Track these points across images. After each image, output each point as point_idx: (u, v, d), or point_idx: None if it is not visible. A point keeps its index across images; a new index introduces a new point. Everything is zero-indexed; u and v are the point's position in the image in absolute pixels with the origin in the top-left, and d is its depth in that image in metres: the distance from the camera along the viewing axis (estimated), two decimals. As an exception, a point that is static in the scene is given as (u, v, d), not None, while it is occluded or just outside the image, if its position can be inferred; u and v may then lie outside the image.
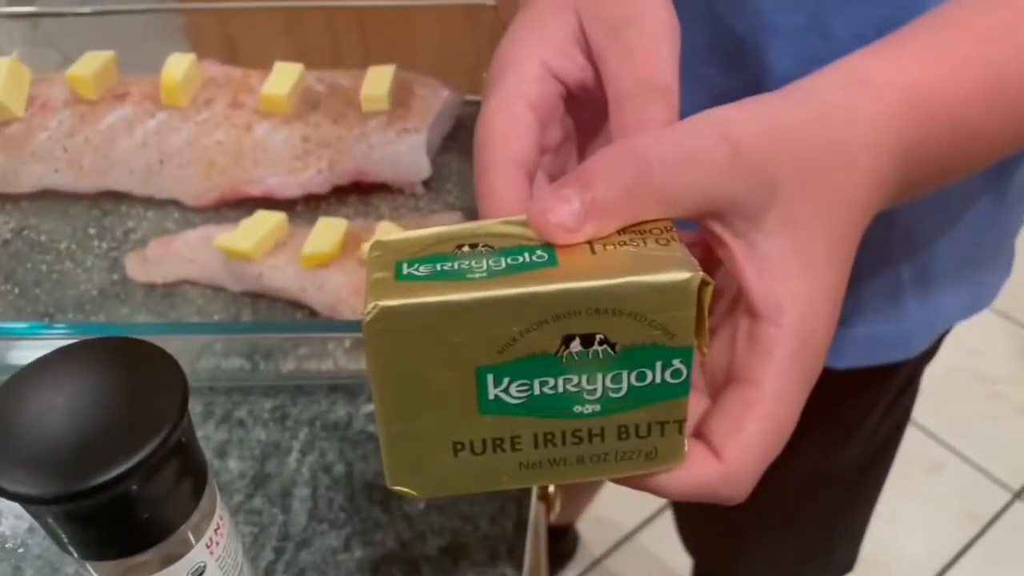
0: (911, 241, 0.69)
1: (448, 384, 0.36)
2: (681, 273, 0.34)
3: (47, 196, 0.82)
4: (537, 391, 0.36)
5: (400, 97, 0.81)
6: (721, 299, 0.43)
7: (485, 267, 0.35)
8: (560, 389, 0.36)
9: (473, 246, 0.36)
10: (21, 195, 0.82)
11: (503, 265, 0.35)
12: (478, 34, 0.88)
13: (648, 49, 0.42)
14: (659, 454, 0.38)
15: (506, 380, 0.36)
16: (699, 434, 0.40)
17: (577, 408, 0.37)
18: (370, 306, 0.33)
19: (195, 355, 0.65)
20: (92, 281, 0.75)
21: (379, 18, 0.90)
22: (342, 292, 0.70)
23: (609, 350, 0.35)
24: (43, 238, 0.79)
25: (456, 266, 0.35)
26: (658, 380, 0.36)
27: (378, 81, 0.81)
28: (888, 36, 0.43)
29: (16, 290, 0.75)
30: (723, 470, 0.39)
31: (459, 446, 0.38)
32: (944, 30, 0.44)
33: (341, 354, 0.63)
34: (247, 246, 0.71)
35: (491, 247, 0.36)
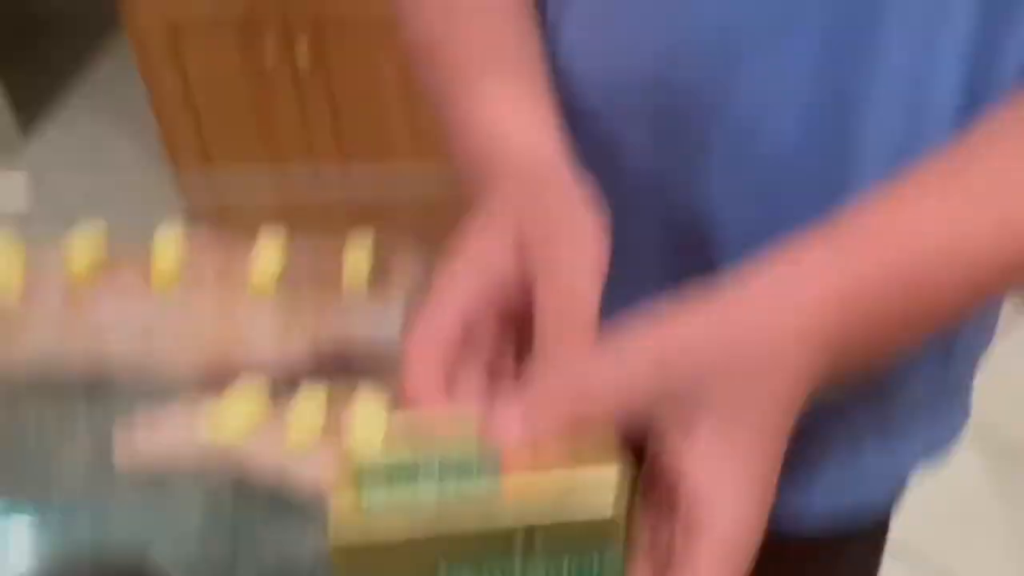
0: (865, 396, 0.71)
1: None
2: (605, 502, 0.40)
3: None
4: None
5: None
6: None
7: (436, 494, 0.40)
8: None
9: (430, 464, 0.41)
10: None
11: (452, 494, 0.40)
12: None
13: (569, 273, 0.45)
14: None
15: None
16: None
17: None
18: (332, 535, 0.39)
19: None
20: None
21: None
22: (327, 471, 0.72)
23: (550, 552, 0.40)
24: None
25: (413, 494, 0.40)
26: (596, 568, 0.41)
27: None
28: (835, 219, 0.46)
29: None
30: None
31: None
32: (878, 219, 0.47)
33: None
34: (230, 433, 0.73)
35: (446, 464, 0.41)
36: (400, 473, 0.40)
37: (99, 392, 0.83)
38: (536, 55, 0.59)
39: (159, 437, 0.76)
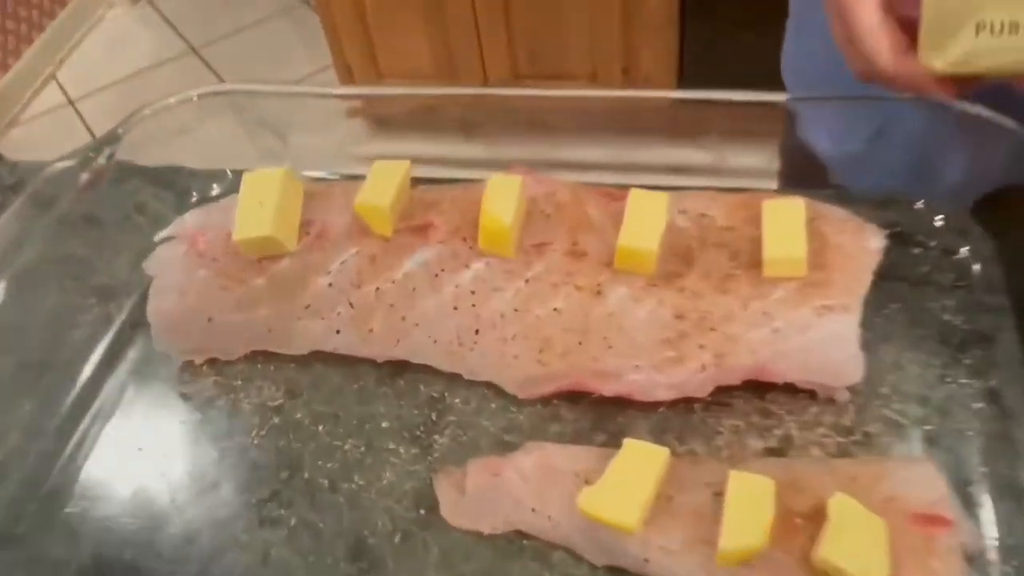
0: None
1: None
2: None
3: (323, 360, 0.62)
4: None
5: (810, 248, 0.57)
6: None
7: None
8: None
9: None
10: (288, 357, 0.62)
11: None
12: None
13: None
14: None
15: None
16: None
17: None
18: None
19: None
20: (390, 500, 0.54)
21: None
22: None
23: None
24: (314, 423, 0.59)
25: None
26: None
27: (787, 230, 0.57)
28: None
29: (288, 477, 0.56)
30: None
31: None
32: None
33: None
34: (628, 519, 0.47)
35: None
36: None
37: (404, 393, 0.60)
38: None
39: (504, 485, 0.51)
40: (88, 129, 2.68)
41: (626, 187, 0.61)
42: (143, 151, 0.74)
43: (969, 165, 0.68)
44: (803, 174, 0.83)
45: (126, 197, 0.74)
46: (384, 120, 1.00)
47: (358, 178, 0.63)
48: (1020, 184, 0.64)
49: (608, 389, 0.55)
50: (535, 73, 2.14)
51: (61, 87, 2.87)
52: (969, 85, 0.57)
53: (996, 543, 0.49)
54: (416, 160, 0.64)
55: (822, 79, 0.72)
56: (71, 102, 2.80)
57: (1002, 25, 0.52)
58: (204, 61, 2.88)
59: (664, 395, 0.55)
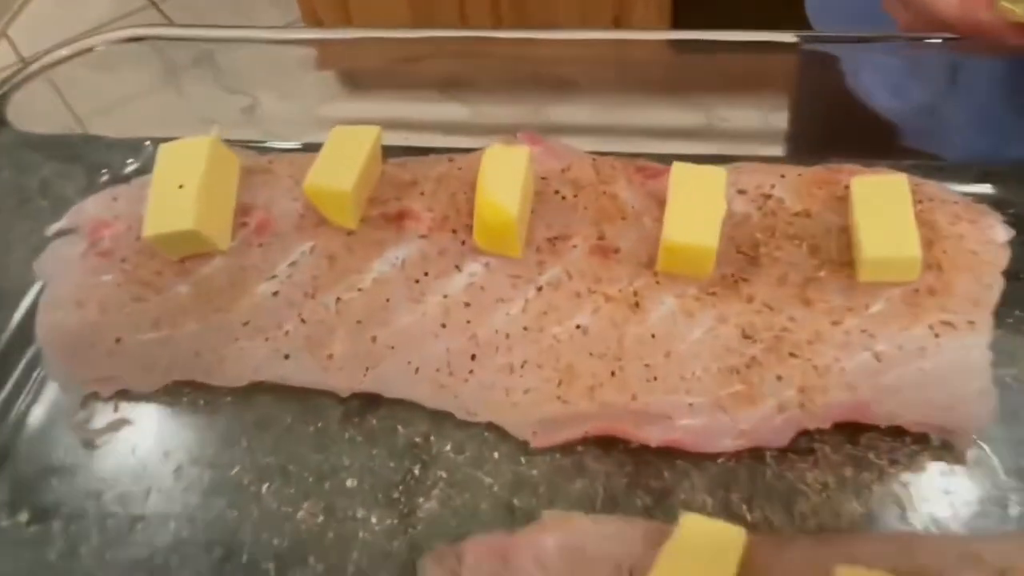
0: None
1: None
2: None
3: (269, 393, 0.46)
4: None
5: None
6: None
7: None
8: None
9: None
10: (223, 390, 0.47)
11: None
12: None
13: None
14: None
15: None
16: None
17: None
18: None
19: None
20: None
21: None
22: None
23: None
24: (257, 480, 0.44)
25: None
26: None
27: (889, 218, 0.42)
28: None
29: None
30: None
31: None
32: None
33: None
34: None
35: None
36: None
37: (378, 439, 0.46)
38: None
39: (516, 571, 0.38)
40: (45, 90, 2.52)
41: (638, 156, 0.48)
42: (44, 115, 0.59)
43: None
44: (832, 136, 0.69)
45: (23, 174, 0.59)
46: (354, 77, 0.85)
47: (313, 149, 0.49)
48: None
49: (653, 437, 0.41)
50: (520, 26, 2.00)
51: (13, 45, 2.69)
52: None
53: None
54: (388, 124, 0.50)
55: (860, 15, 0.61)
56: (24, 61, 2.63)
57: None
58: (165, 15, 2.71)
59: (729, 445, 0.41)
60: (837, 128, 0.71)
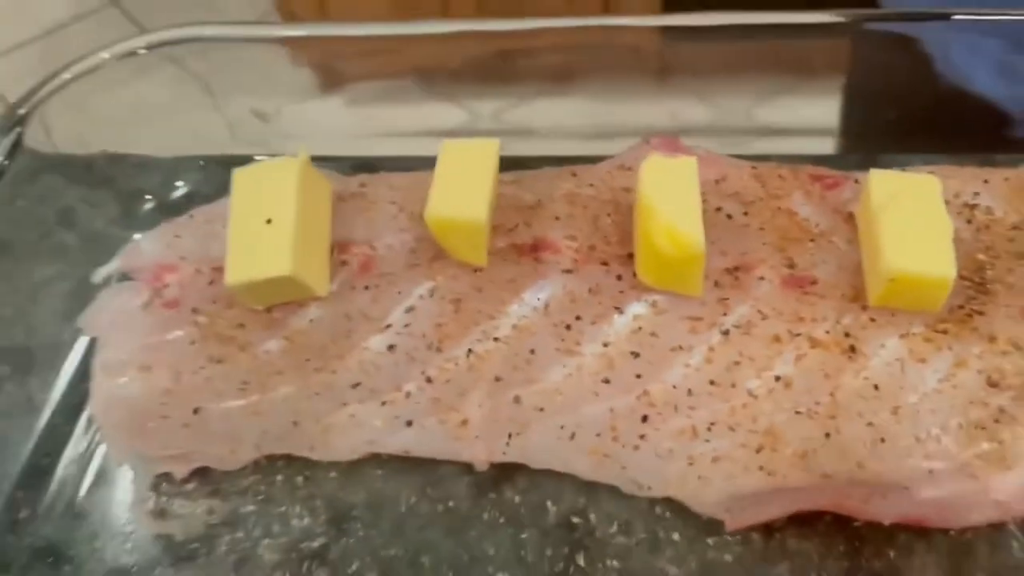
0: None
1: None
2: None
3: (385, 467, 0.38)
4: None
5: None
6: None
7: None
8: None
9: None
10: (323, 464, 0.39)
11: None
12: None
13: None
14: None
15: None
16: None
17: None
18: None
19: None
20: None
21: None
22: None
23: None
24: (379, 574, 0.36)
25: None
26: None
27: None
28: None
29: None
30: None
31: None
32: None
33: None
34: None
35: None
36: None
37: (525, 522, 0.38)
38: None
39: None
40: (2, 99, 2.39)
41: (783, 160, 0.40)
42: (64, 133, 0.50)
43: None
44: (910, 129, 0.62)
45: (42, 202, 0.50)
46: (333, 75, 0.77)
47: (401, 163, 0.41)
48: None
49: (886, 514, 0.33)
50: (513, 15, 1.93)
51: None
52: None
53: None
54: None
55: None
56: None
57: None
58: (126, 13, 2.60)
59: (978, 518, 0.34)
60: (919, 120, 0.64)
